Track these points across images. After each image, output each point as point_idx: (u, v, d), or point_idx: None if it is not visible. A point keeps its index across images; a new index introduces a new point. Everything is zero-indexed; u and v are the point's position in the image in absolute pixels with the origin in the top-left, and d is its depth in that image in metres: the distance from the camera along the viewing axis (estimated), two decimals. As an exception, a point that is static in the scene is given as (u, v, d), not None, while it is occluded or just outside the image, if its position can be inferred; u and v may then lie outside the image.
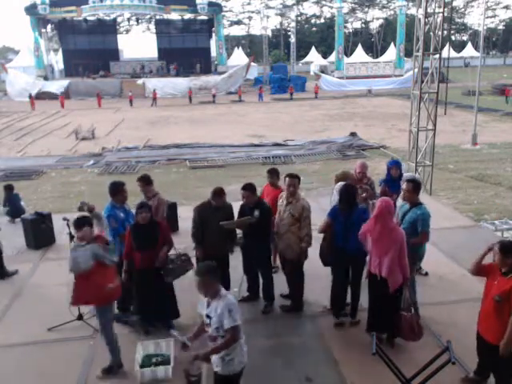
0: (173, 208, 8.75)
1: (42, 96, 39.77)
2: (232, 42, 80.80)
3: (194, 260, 5.70)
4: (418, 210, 5.16)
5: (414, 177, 6.25)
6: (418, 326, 4.78)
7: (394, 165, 6.80)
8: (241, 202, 5.76)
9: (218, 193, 5.54)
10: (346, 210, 5.14)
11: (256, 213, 5.34)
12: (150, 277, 5.15)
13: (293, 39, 58.72)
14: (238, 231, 5.97)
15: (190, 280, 5.75)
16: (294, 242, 5.42)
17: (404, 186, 5.30)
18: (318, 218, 7.29)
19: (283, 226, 5.49)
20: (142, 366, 4.65)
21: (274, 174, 6.37)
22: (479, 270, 4.22)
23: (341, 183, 6.05)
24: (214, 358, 3.58)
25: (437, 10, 9.76)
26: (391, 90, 43.43)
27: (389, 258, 4.68)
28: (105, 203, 5.79)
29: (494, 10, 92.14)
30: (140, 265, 5.16)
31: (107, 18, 52.63)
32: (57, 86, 41.20)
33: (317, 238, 5.72)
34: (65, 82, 42.63)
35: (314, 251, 5.54)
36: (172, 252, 5.39)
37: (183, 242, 6.21)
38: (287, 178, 5.49)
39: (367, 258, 5.49)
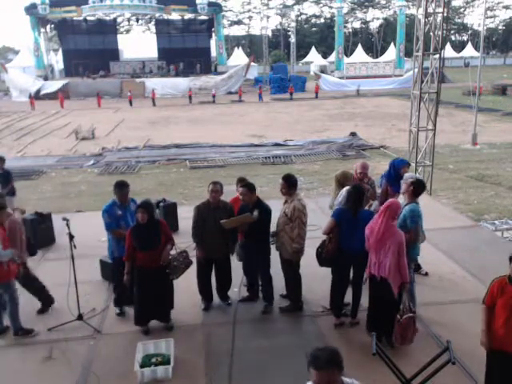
0: (173, 208, 8.74)
1: (42, 96, 39.87)
2: (232, 42, 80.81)
3: (194, 260, 5.71)
4: (408, 207, 5.21)
5: (417, 177, 6.25)
6: (411, 331, 4.74)
7: (403, 163, 6.78)
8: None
9: (219, 190, 5.59)
10: (353, 211, 5.13)
11: (255, 213, 5.35)
12: (151, 276, 5.17)
13: (293, 39, 58.83)
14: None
15: (190, 281, 5.80)
16: (286, 242, 5.46)
17: (404, 186, 5.26)
18: (317, 218, 7.31)
19: (279, 224, 5.54)
20: (142, 366, 4.65)
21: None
22: (492, 305, 3.80)
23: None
24: None
25: (437, 10, 9.75)
26: (391, 90, 43.44)
27: (388, 258, 4.69)
28: (104, 203, 5.79)
29: (494, 10, 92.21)
30: (142, 264, 5.18)
31: (107, 18, 52.63)
32: (55, 86, 41.28)
33: (313, 239, 5.73)
34: (63, 82, 42.76)
35: (312, 251, 5.54)
36: (172, 250, 5.42)
37: (183, 242, 6.21)
38: (280, 181, 5.58)
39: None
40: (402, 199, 5.62)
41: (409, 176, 6.55)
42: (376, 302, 4.99)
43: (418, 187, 5.33)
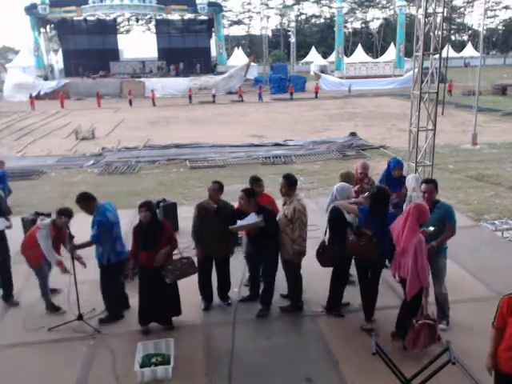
0: (173, 208, 8.73)
1: (42, 96, 39.95)
2: (232, 42, 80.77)
3: (194, 259, 5.71)
4: (441, 205, 5.14)
5: (417, 177, 6.30)
6: (423, 336, 4.64)
7: (397, 166, 6.78)
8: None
9: (217, 188, 5.60)
10: (380, 216, 5.05)
11: (260, 218, 5.34)
12: (153, 276, 5.17)
13: (293, 39, 58.74)
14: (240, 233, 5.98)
15: (190, 281, 5.79)
16: (287, 243, 5.41)
17: (423, 187, 5.17)
18: (317, 218, 7.31)
19: (280, 226, 5.49)
20: (142, 366, 4.65)
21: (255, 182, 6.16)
22: (502, 327, 3.47)
23: (341, 184, 6.00)
24: None
25: (437, 10, 9.74)
26: (391, 90, 43.43)
27: (406, 260, 4.66)
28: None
29: (494, 10, 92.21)
30: (143, 263, 5.21)
31: (107, 18, 52.64)
32: (54, 84, 41.72)
33: (314, 239, 5.71)
34: (62, 81, 42.93)
35: (312, 252, 5.53)
36: (176, 252, 5.41)
37: (183, 242, 6.21)
38: (281, 180, 5.52)
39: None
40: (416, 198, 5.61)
41: (412, 177, 6.56)
42: (402, 303, 5.03)
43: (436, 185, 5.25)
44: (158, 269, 5.16)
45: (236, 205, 5.84)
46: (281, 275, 5.76)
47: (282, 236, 5.47)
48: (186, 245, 6.01)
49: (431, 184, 5.18)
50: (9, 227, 6.37)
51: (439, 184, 5.37)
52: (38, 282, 5.90)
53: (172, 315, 5.48)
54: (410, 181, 6.43)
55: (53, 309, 5.89)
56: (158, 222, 5.31)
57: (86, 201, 5.53)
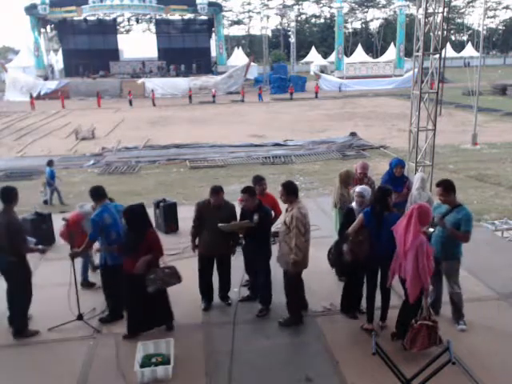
0: (173, 208, 8.74)
1: (42, 96, 39.98)
2: (232, 42, 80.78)
3: (194, 259, 5.71)
4: (461, 210, 5.08)
5: (422, 176, 6.35)
6: (421, 337, 4.63)
7: (398, 164, 6.79)
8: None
9: (216, 191, 5.59)
10: (381, 213, 5.04)
11: (255, 217, 5.32)
12: (137, 282, 5.02)
13: (293, 39, 58.70)
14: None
15: (190, 281, 5.79)
16: (286, 252, 5.22)
17: (437, 189, 5.19)
18: (317, 218, 7.31)
19: (280, 234, 5.36)
20: (142, 366, 4.65)
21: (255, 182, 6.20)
22: None
23: (363, 187, 5.78)
24: None
25: (437, 10, 9.75)
26: (391, 90, 43.41)
27: (406, 262, 4.66)
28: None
29: (495, 10, 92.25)
30: (127, 269, 5.11)
31: (107, 18, 52.64)
32: (55, 85, 41.87)
33: (313, 239, 5.69)
34: (62, 81, 42.95)
35: (313, 252, 5.52)
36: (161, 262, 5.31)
37: (183, 242, 6.21)
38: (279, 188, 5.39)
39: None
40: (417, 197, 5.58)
41: (419, 176, 6.56)
42: (403, 304, 5.04)
43: (449, 186, 5.18)
44: (142, 276, 5.02)
45: (237, 204, 5.86)
46: (281, 276, 5.75)
47: (282, 245, 5.28)
48: (186, 245, 6.01)
49: (440, 185, 5.14)
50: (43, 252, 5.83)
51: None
52: (82, 262, 6.44)
53: (164, 321, 5.39)
54: (415, 180, 6.44)
55: (87, 285, 6.50)
56: (142, 229, 5.10)
57: (95, 195, 5.61)
